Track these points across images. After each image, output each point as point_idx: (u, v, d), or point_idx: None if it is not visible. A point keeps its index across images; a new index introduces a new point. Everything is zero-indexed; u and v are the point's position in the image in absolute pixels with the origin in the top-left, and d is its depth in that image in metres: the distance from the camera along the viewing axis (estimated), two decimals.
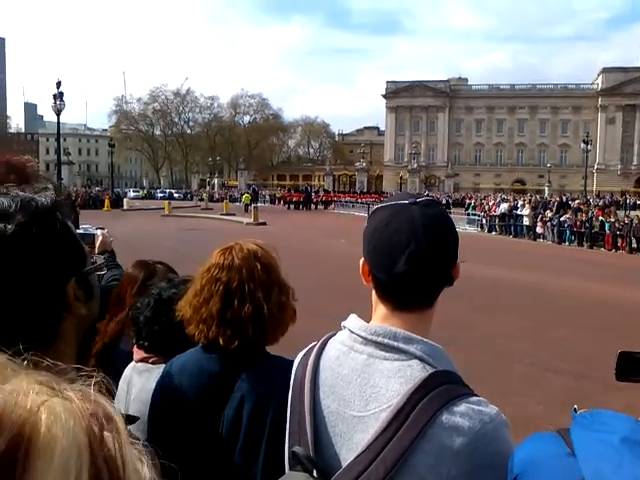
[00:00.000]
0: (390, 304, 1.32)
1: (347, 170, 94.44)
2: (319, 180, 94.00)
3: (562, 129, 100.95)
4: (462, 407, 1.17)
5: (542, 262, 21.13)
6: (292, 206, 57.76)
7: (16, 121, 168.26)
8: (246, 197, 54.88)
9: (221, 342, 1.80)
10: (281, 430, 1.63)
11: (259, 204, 49.58)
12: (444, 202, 62.89)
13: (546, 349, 9.58)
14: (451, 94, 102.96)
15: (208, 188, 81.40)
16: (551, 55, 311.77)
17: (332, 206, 58.52)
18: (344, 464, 1.24)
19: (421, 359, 1.24)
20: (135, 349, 2.20)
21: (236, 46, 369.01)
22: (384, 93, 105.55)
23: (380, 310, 1.34)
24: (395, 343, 1.26)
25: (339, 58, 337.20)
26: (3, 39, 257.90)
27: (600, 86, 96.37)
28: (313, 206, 57.58)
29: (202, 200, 59.13)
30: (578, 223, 28.87)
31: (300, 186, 77.48)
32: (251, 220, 35.78)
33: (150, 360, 2.14)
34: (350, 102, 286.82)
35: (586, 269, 19.59)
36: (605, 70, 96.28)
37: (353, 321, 1.36)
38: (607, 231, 27.45)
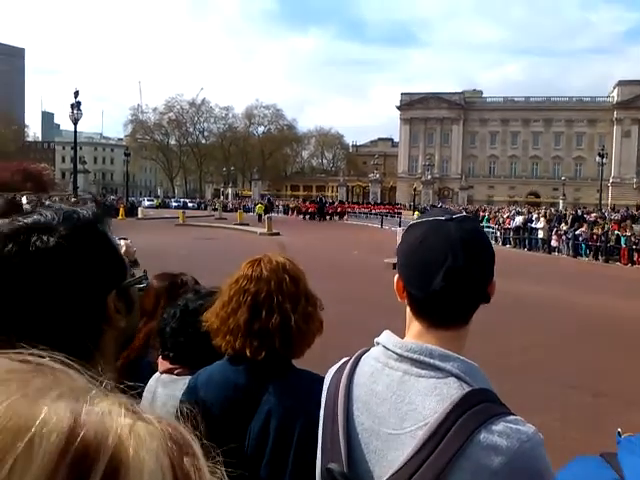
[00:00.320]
0: (425, 321, 1.31)
1: (360, 181, 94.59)
2: (332, 191, 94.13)
3: (577, 142, 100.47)
4: (500, 426, 1.16)
5: (557, 276, 20.97)
6: (307, 217, 57.86)
7: (33, 130, 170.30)
8: (259, 207, 55.04)
9: (248, 353, 1.80)
10: (308, 445, 1.62)
11: (272, 214, 49.68)
12: None
13: (562, 365, 9.48)
14: (466, 106, 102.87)
15: (222, 198, 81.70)
16: (567, 68, 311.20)
17: (345, 217, 58.56)
18: None
19: (458, 377, 1.23)
20: (160, 360, 2.20)
21: (251, 57, 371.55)
22: (398, 105, 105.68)
23: (414, 327, 1.33)
24: (431, 360, 1.25)
25: (353, 70, 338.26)
26: (22, 49, 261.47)
27: (616, 99, 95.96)
28: (327, 217, 57.63)
29: (216, 210, 59.35)
30: (594, 237, 28.65)
31: (315, 197, 77.67)
32: (265, 230, 35.82)
33: (175, 371, 2.14)
34: (364, 113, 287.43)
35: (602, 283, 19.42)
36: (621, 83, 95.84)
37: (387, 337, 1.35)
38: (623, 245, 27.22)
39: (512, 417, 1.19)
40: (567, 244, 30.15)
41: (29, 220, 1.08)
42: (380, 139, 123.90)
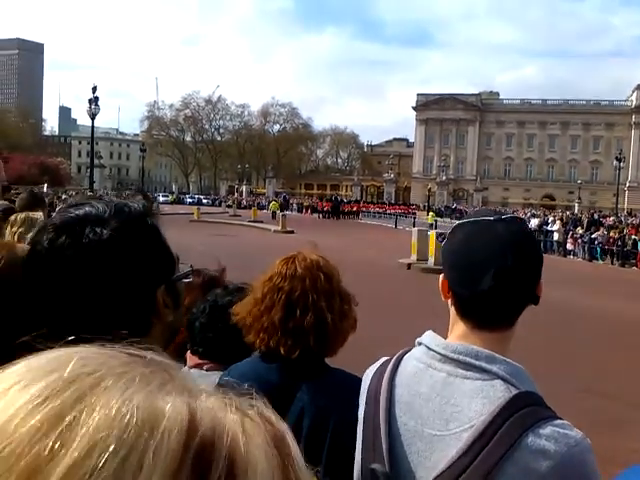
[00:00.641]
0: (470, 322, 1.30)
1: (375, 181, 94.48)
2: (346, 190, 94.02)
3: (594, 145, 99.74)
4: (548, 430, 1.14)
5: (573, 279, 20.81)
6: (321, 215, 58.15)
7: (51, 124, 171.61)
8: (274, 204, 55.15)
9: (282, 352, 1.78)
10: (341, 444, 1.61)
11: (286, 212, 49.75)
12: None
13: (577, 368, 9.41)
14: (482, 108, 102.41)
15: (236, 195, 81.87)
16: (585, 70, 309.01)
17: (359, 216, 58.52)
18: None
19: (504, 379, 1.21)
20: (189, 355, 2.19)
21: (267, 55, 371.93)
22: (414, 105, 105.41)
23: (459, 328, 1.32)
24: (477, 362, 1.23)
25: (370, 69, 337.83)
26: (42, 45, 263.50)
27: (634, 103, 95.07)
28: (342, 216, 57.70)
29: (230, 207, 59.50)
30: (611, 241, 28.43)
31: (329, 196, 77.72)
32: (279, 228, 35.86)
33: (205, 367, 2.13)
34: (379, 113, 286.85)
35: (618, 287, 19.26)
36: None
37: (431, 338, 1.34)
38: None
39: (559, 421, 1.17)
40: (583, 247, 29.94)
41: (81, 212, 1.09)
42: (395, 139, 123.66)
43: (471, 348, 1.25)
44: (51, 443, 0.30)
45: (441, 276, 1.34)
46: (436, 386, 1.26)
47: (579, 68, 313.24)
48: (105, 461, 0.30)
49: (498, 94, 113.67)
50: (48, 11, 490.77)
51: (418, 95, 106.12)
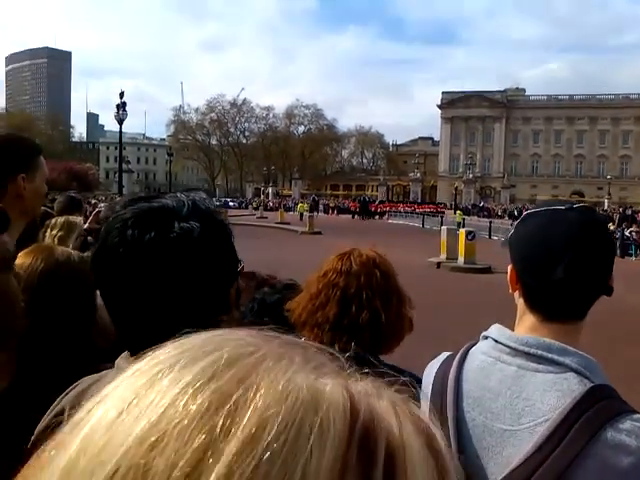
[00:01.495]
0: (540, 314, 1.28)
1: (401, 180, 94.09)
2: (372, 190, 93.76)
3: (623, 140, 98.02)
4: (627, 424, 1.10)
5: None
6: (353, 215, 58.44)
7: (79, 130, 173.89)
8: (301, 206, 55.25)
9: (337, 348, 1.77)
10: None
11: (314, 213, 49.85)
12: (499, 213, 62.17)
13: (610, 365, 9.23)
14: (508, 104, 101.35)
15: (262, 197, 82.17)
16: (613, 64, 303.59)
17: (386, 216, 58.39)
18: (492, 479, 1.19)
19: (577, 372, 1.18)
20: None
21: (291, 57, 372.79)
22: (439, 103, 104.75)
23: (527, 320, 1.30)
24: (549, 355, 1.20)
25: (394, 69, 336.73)
26: (69, 53, 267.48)
27: None
28: (370, 216, 57.74)
29: (257, 209, 59.78)
30: None
31: (356, 196, 77.80)
32: (306, 229, 35.91)
33: None
34: (404, 112, 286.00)
35: None
36: None
37: (499, 331, 1.31)
38: None
39: (638, 415, 1.14)
40: (615, 244, 29.50)
41: (159, 205, 1.07)
42: (420, 138, 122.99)
43: (542, 340, 1.22)
44: (222, 420, 0.30)
45: (509, 267, 1.31)
46: (506, 380, 1.23)
47: (607, 62, 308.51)
48: (277, 438, 0.30)
49: (524, 90, 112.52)
50: (75, 19, 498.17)
51: (443, 93, 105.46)
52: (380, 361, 1.85)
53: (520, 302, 1.31)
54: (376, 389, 0.36)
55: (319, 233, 33.60)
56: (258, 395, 0.32)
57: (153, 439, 0.31)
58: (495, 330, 1.32)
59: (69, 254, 1.70)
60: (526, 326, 1.30)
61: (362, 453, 0.31)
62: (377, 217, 58.20)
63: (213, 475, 0.29)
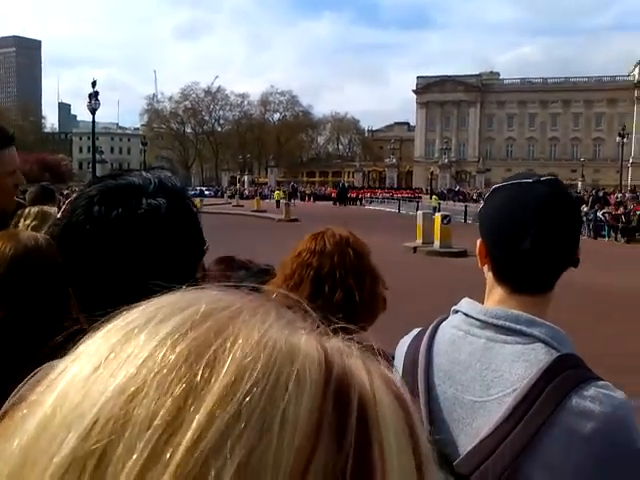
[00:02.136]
0: (509, 286, 1.29)
1: (377, 166, 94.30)
2: (349, 176, 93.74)
3: (596, 123, 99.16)
4: (592, 391, 1.12)
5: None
6: (336, 202, 58.41)
7: (51, 121, 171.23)
8: (278, 194, 55.11)
9: None
10: None
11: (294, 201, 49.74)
12: (474, 197, 62.64)
13: (589, 344, 9.42)
14: (483, 89, 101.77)
15: (238, 185, 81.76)
16: (587, 47, 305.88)
17: (363, 202, 58.54)
18: (461, 450, 1.21)
19: (545, 342, 1.20)
20: None
21: (266, 43, 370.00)
22: (414, 88, 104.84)
23: (496, 293, 1.31)
24: (517, 326, 1.22)
25: (369, 54, 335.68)
26: (39, 41, 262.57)
27: (637, 78, 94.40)
28: (349, 203, 57.82)
29: (232, 197, 59.48)
30: (614, 217, 28.39)
31: (334, 183, 77.73)
32: (283, 217, 35.85)
33: None
34: (380, 98, 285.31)
35: (622, 263, 19.19)
36: None
37: (469, 305, 1.32)
38: None
39: (603, 382, 1.16)
40: (588, 225, 29.88)
41: (126, 182, 1.07)
42: (396, 123, 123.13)
43: (510, 312, 1.24)
44: (201, 370, 0.31)
45: (478, 241, 1.33)
46: (476, 352, 1.25)
47: (581, 45, 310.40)
48: (255, 386, 0.31)
49: (499, 74, 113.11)
50: (44, 7, 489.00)
51: (418, 78, 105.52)
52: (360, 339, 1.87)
53: (489, 275, 1.33)
54: (347, 347, 0.36)
55: (296, 220, 33.55)
56: (236, 345, 0.32)
57: (132, 389, 0.31)
58: (465, 304, 1.33)
59: (36, 238, 1.67)
60: (495, 299, 1.31)
61: (337, 404, 0.32)
62: (358, 203, 58.29)
63: (194, 423, 0.29)
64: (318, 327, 0.38)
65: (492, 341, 1.24)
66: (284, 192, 56.84)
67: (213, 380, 0.31)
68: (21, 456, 0.30)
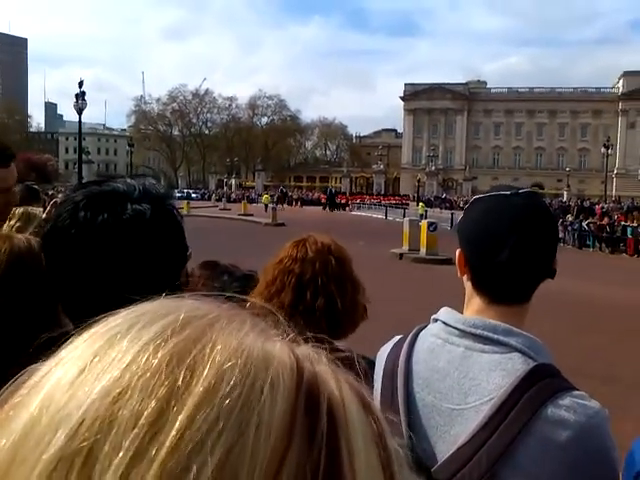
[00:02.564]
0: (487, 296, 1.31)
1: (364, 172, 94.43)
2: (336, 182, 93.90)
3: (581, 133, 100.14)
4: (567, 401, 1.15)
5: (562, 267, 20.89)
6: (326, 207, 58.55)
7: (37, 120, 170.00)
8: (266, 197, 55.10)
9: None
10: None
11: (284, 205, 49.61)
12: (461, 205, 63.14)
13: (571, 355, 9.48)
14: (470, 97, 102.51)
15: (225, 188, 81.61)
16: (573, 58, 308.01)
17: (348, 208, 58.65)
18: (439, 457, 1.23)
19: (522, 352, 1.22)
20: None
21: (254, 47, 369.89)
22: (402, 95, 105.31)
23: (475, 303, 1.33)
24: (495, 336, 1.24)
25: (357, 60, 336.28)
26: (25, 39, 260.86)
27: (621, 90, 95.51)
28: (337, 208, 57.95)
29: (219, 200, 59.39)
30: (599, 227, 28.63)
31: (321, 188, 77.97)
32: (269, 221, 35.85)
33: None
34: (368, 104, 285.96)
35: (607, 273, 19.37)
36: (626, 74, 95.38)
37: (447, 314, 1.34)
38: (629, 236, 27.17)
39: (578, 392, 1.19)
40: (573, 235, 30.12)
41: (111, 189, 1.09)
42: (384, 130, 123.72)
43: (488, 322, 1.26)
44: (182, 374, 0.33)
45: (457, 251, 1.35)
46: (454, 361, 1.27)
47: (567, 56, 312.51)
48: (233, 390, 0.33)
49: (485, 83, 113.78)
50: (30, 5, 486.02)
51: (406, 85, 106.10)
52: (336, 347, 1.88)
53: (468, 285, 1.35)
54: (316, 354, 0.39)
55: (283, 225, 33.53)
56: (214, 351, 0.34)
57: (117, 392, 0.32)
58: (444, 313, 1.35)
59: (29, 240, 1.68)
60: (474, 308, 1.33)
61: (308, 407, 0.34)
62: (346, 209, 58.49)
63: (177, 423, 0.31)
64: (289, 335, 0.40)
65: (470, 350, 1.26)
66: (271, 196, 56.77)
67: (194, 383, 0.32)
68: (9, 454, 0.32)
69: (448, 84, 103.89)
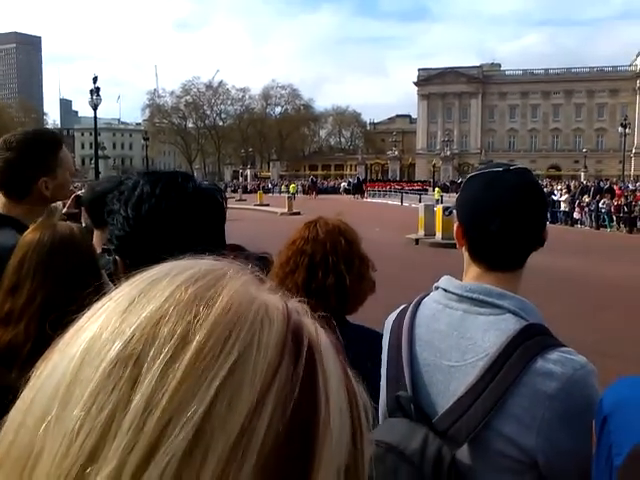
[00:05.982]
0: (483, 264, 1.43)
1: (379, 159, 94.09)
2: (351, 169, 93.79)
3: (598, 113, 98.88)
4: (555, 355, 1.27)
5: (580, 247, 20.82)
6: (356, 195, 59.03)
7: (52, 117, 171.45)
8: (292, 187, 55.97)
9: None
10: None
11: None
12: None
13: (593, 334, 9.48)
14: (484, 80, 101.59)
15: (241, 179, 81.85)
16: (591, 37, 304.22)
17: (365, 195, 58.55)
18: (439, 410, 1.35)
19: (515, 313, 1.34)
20: None
21: (266, 37, 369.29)
22: (416, 80, 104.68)
23: (472, 271, 1.46)
24: (490, 299, 1.36)
25: (369, 46, 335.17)
26: (39, 38, 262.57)
27: (639, 68, 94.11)
28: (362, 196, 58.30)
29: (235, 192, 59.72)
30: (617, 208, 28.37)
31: (351, 176, 78.17)
32: (285, 210, 35.98)
33: None
34: (381, 90, 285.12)
35: (624, 254, 19.23)
36: None
37: (447, 281, 1.47)
38: None
39: (565, 348, 1.30)
40: (590, 216, 29.91)
41: (159, 174, 1.35)
42: (398, 116, 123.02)
43: (484, 286, 1.39)
44: (203, 305, 0.43)
45: (455, 224, 1.48)
46: (453, 323, 1.39)
47: (584, 34, 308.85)
48: (241, 316, 0.43)
49: (500, 65, 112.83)
50: (44, 3, 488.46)
51: (419, 70, 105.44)
52: (346, 322, 1.98)
53: (466, 255, 1.48)
54: (301, 307, 0.49)
55: (298, 214, 33.64)
56: (225, 291, 0.45)
57: (159, 316, 0.43)
58: (444, 280, 1.49)
59: (71, 227, 1.83)
60: (471, 276, 1.46)
61: (294, 338, 0.44)
62: (365, 196, 58.57)
63: (200, 335, 0.41)
64: (280, 290, 0.50)
65: (468, 313, 1.38)
66: (301, 186, 57.29)
67: (211, 313, 0.43)
68: (80, 357, 0.43)
69: (462, 67, 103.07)
